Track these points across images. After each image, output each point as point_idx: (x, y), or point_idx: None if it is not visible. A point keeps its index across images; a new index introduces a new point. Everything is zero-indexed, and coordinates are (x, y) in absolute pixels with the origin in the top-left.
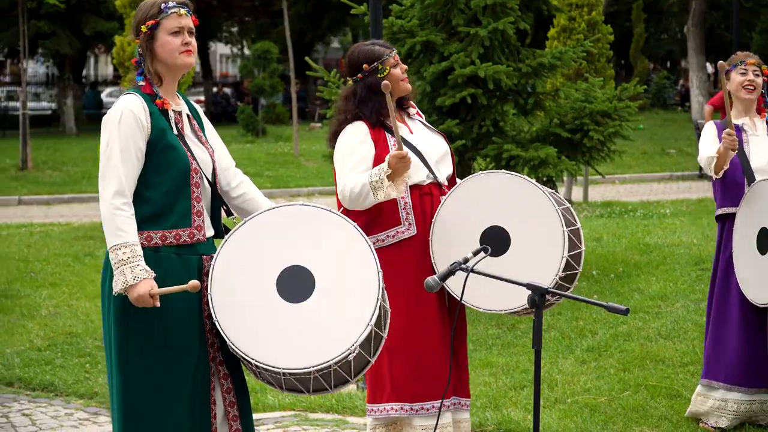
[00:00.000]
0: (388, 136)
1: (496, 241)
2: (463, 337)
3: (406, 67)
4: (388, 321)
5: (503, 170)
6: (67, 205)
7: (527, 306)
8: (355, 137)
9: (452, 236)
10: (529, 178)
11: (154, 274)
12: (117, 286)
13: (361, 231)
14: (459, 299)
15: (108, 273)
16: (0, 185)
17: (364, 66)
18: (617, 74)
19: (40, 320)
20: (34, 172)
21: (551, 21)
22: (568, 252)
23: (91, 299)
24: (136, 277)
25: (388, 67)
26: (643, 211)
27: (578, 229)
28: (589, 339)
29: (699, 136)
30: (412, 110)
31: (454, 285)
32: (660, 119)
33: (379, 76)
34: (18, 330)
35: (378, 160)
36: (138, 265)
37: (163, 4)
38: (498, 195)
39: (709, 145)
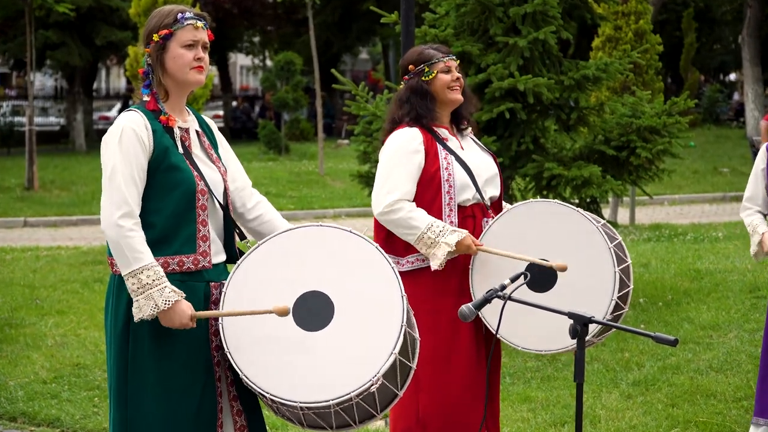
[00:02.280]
0: (440, 147)
1: (540, 276)
2: (497, 371)
3: (458, 75)
4: (417, 350)
5: (556, 200)
6: (76, 228)
7: (570, 347)
8: (408, 145)
9: (494, 267)
10: (582, 211)
11: (183, 294)
12: (143, 313)
13: (384, 253)
14: (495, 332)
15: (113, 301)
16: (5, 206)
17: (410, 67)
18: (666, 87)
19: (45, 351)
20: (41, 192)
21: (596, 30)
22: (621, 291)
23: (101, 328)
24: (167, 301)
25: (435, 71)
26: (693, 235)
27: (628, 266)
28: (635, 372)
29: (755, 154)
30: (468, 128)
31: (491, 316)
32: (712, 136)
33: (424, 78)
34: (22, 361)
35: (426, 173)
36: (166, 287)
37: (179, 14)
38: (547, 226)
39: (756, 185)
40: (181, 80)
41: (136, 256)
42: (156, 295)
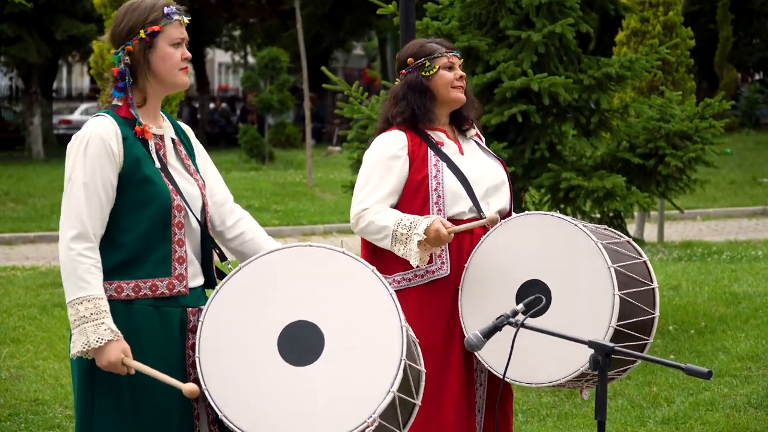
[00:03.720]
0: (430, 153)
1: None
2: (507, 406)
3: (462, 74)
4: (422, 384)
5: (554, 212)
6: (33, 246)
7: (575, 377)
8: (387, 150)
9: (485, 287)
10: (584, 225)
11: (121, 335)
12: (75, 348)
13: (381, 276)
14: (502, 377)
15: None
16: None
17: (409, 60)
18: (699, 87)
19: None
20: None
21: (619, 23)
22: (632, 318)
23: (61, 359)
24: (100, 339)
25: (437, 66)
26: (729, 253)
27: (652, 290)
28: (664, 408)
29: None
30: (471, 131)
31: (487, 353)
32: (751, 141)
33: (424, 74)
34: None
35: (411, 182)
36: (103, 323)
37: (166, 8)
38: (544, 242)
39: None
40: (169, 82)
41: (81, 285)
42: (90, 330)
